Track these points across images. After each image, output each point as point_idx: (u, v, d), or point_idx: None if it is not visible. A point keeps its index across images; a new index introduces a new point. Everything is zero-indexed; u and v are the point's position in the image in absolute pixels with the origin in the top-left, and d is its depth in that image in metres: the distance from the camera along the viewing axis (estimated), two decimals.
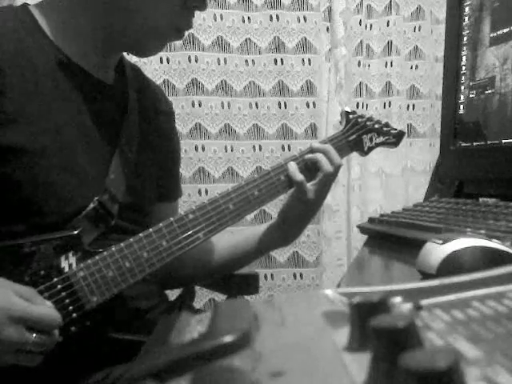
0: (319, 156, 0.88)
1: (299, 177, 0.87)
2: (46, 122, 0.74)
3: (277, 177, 0.87)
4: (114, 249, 0.74)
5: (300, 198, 0.89)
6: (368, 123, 0.97)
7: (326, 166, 0.88)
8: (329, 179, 0.89)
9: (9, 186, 0.71)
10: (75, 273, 0.72)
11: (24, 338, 0.61)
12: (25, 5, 0.80)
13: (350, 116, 0.97)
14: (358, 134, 0.96)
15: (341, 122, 0.99)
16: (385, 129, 0.99)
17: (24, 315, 0.62)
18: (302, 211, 0.92)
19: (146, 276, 0.78)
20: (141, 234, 0.76)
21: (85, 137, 0.78)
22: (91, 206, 0.76)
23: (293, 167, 0.88)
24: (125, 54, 0.92)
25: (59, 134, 0.75)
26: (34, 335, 0.62)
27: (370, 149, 0.98)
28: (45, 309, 0.65)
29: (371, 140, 0.98)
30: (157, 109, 0.95)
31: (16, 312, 0.61)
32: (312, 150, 0.90)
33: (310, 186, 0.88)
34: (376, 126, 0.98)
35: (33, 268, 0.70)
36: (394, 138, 1.00)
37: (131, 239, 0.75)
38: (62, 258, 0.72)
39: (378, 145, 0.99)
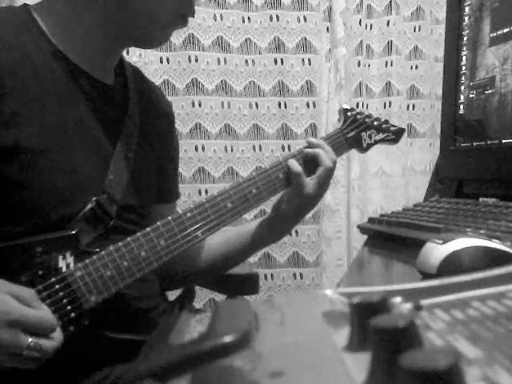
0: (319, 151, 0.88)
1: (298, 168, 0.87)
2: (46, 122, 0.74)
3: (275, 174, 0.87)
4: (111, 248, 0.74)
5: (298, 192, 0.87)
6: (367, 120, 0.97)
7: (327, 161, 0.88)
8: (329, 174, 0.89)
9: (8, 186, 0.71)
10: (73, 272, 0.72)
11: (20, 342, 0.61)
12: (25, 5, 0.80)
13: (349, 113, 0.97)
14: (357, 131, 0.96)
15: (339, 120, 0.99)
16: (384, 126, 0.99)
17: (20, 319, 0.62)
18: (298, 206, 0.90)
19: (146, 276, 0.78)
20: (138, 233, 0.76)
21: (84, 137, 0.78)
22: (89, 206, 0.76)
23: (292, 161, 0.88)
24: (124, 54, 0.92)
25: (58, 134, 0.75)
26: (30, 339, 0.62)
27: (370, 146, 0.98)
28: (41, 312, 0.65)
29: (370, 137, 0.97)
30: (157, 110, 0.95)
31: (12, 316, 0.61)
32: (310, 145, 0.90)
33: (309, 179, 0.87)
34: (375, 122, 0.98)
35: (31, 268, 0.70)
36: (394, 135, 1.00)
37: (129, 238, 0.75)
38: (60, 258, 0.72)
39: (377, 142, 0.99)
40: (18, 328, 0.61)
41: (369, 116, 0.98)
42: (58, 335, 0.66)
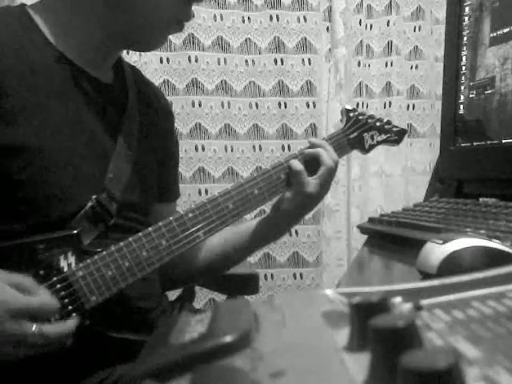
0: (320, 150, 0.88)
1: (299, 166, 0.86)
2: (45, 121, 0.74)
3: (277, 175, 0.87)
4: (113, 248, 0.74)
5: (299, 191, 0.86)
6: (369, 121, 0.97)
7: (328, 161, 0.87)
8: (330, 174, 0.88)
9: (8, 185, 0.71)
10: (74, 272, 0.72)
11: (24, 331, 0.62)
12: (22, 5, 0.80)
13: (351, 114, 0.96)
14: (359, 132, 0.96)
15: (341, 120, 0.98)
16: (386, 127, 0.99)
17: (22, 308, 0.62)
18: (298, 205, 0.89)
19: (148, 275, 0.78)
20: (140, 234, 0.76)
21: (84, 136, 0.78)
22: (89, 204, 0.76)
23: (293, 160, 0.87)
24: (124, 53, 0.92)
25: (58, 133, 0.75)
26: (34, 326, 0.62)
27: (372, 147, 0.98)
28: (41, 298, 0.66)
29: (372, 138, 0.97)
30: (156, 109, 0.95)
31: (13, 305, 0.62)
32: (312, 146, 0.89)
33: (311, 179, 0.86)
34: (377, 123, 0.98)
35: (32, 267, 0.70)
36: (396, 136, 0.99)
37: (130, 238, 0.75)
38: (61, 258, 0.72)
39: (379, 142, 0.98)
40: (21, 317, 0.62)
41: (371, 117, 0.98)
42: (70, 323, 0.67)
